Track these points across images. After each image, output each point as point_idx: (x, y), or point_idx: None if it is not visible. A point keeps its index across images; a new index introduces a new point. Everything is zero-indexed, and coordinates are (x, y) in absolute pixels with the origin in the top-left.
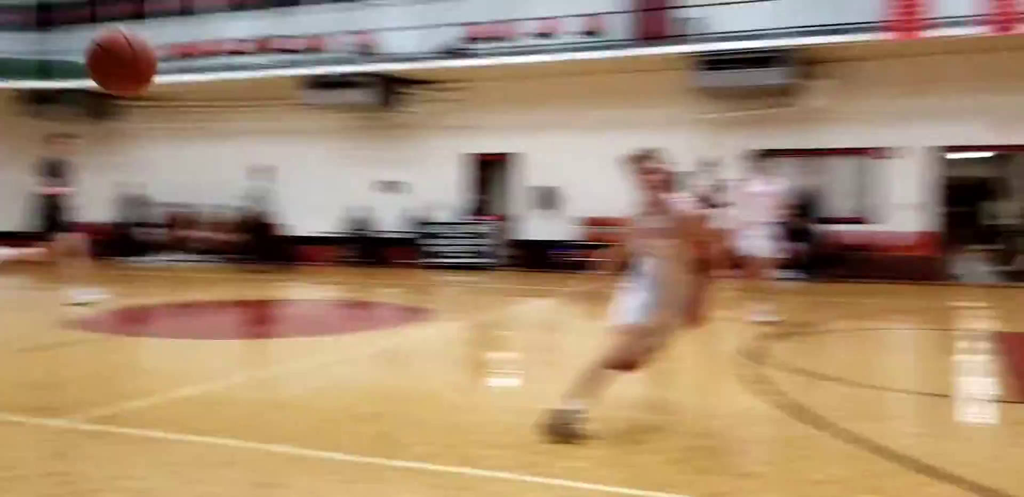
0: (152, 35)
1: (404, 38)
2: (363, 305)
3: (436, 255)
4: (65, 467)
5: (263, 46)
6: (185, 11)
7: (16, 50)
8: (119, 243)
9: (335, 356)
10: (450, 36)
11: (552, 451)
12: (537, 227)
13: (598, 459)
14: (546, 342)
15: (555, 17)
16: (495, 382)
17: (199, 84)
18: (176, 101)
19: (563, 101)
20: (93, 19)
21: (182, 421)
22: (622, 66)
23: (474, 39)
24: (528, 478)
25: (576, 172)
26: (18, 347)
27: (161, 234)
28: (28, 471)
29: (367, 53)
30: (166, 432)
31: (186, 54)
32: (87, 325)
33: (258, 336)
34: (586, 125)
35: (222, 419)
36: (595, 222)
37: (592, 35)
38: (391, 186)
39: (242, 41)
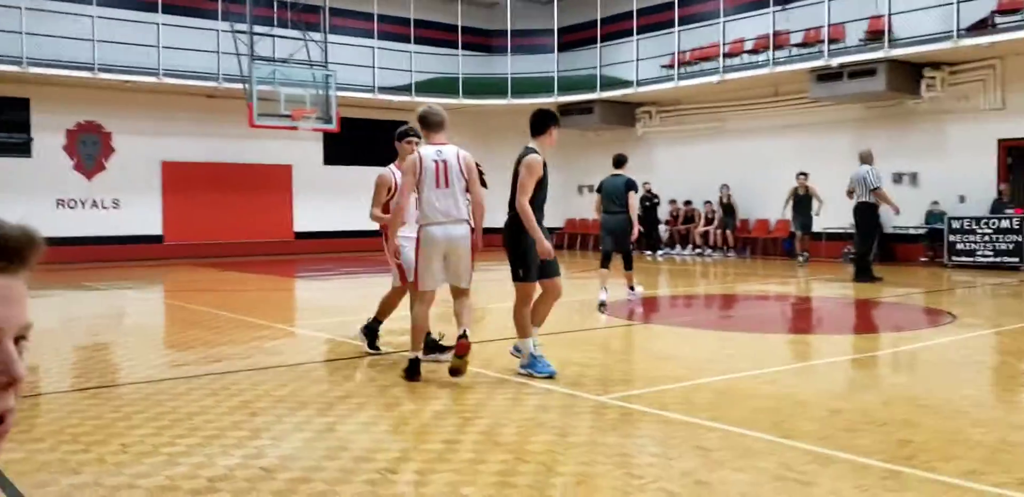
0: (664, 43)
1: (921, 18)
2: (876, 305)
3: (957, 253)
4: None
5: (767, 44)
6: (690, 19)
7: (541, 69)
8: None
9: (849, 356)
10: (978, 10)
11: None
12: None
13: None
14: None
15: None
16: None
17: (705, 86)
18: (685, 104)
19: None
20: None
21: (705, 408)
22: None
23: (1003, 12)
24: None
25: None
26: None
27: (665, 229)
28: (579, 438)
29: (878, 39)
30: (686, 416)
31: (702, 58)
32: (616, 313)
33: (768, 331)
34: None
35: (741, 409)
36: None
37: None
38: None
39: (748, 40)
